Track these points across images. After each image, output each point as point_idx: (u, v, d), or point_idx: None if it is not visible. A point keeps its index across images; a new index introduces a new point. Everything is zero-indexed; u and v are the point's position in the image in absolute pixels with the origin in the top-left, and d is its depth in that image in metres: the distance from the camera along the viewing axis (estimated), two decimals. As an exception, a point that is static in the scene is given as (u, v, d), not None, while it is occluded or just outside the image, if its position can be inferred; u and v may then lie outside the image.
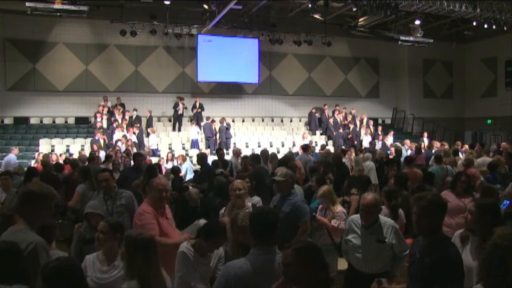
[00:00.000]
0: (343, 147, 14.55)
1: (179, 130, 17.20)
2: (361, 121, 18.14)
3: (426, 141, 16.57)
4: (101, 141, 13.86)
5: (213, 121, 16.19)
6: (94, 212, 4.19)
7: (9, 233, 2.67)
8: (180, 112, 17.01)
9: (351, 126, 17.63)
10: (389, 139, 16.80)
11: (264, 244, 2.65)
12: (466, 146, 14.04)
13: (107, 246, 3.26)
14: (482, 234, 2.96)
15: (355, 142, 16.46)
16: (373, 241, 3.71)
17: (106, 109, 16.00)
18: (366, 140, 16.83)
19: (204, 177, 7.86)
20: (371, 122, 18.38)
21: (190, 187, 6.37)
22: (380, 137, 17.21)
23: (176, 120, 17.16)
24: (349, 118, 18.42)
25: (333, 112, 18.65)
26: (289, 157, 9.02)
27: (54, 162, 10.46)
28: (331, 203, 4.99)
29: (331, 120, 18.20)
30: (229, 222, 3.67)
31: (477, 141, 18.74)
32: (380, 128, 18.45)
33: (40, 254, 2.52)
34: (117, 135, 14.43)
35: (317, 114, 18.57)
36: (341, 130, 17.62)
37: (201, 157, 8.73)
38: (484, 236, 2.79)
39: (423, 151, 12.76)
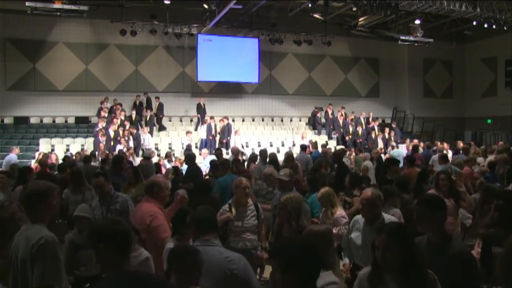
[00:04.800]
0: (343, 146, 14.52)
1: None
2: (377, 127, 17.87)
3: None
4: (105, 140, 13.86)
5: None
6: (81, 215, 4.12)
7: (23, 230, 2.72)
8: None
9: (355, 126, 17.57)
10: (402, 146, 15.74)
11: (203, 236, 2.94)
12: (461, 144, 14.00)
13: None
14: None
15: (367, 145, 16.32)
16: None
17: (107, 110, 15.91)
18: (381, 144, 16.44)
19: (190, 177, 7.71)
20: (390, 131, 17.76)
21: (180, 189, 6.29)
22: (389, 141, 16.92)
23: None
24: (350, 117, 18.36)
25: (336, 112, 18.55)
26: (291, 157, 9.08)
27: (53, 162, 10.46)
28: (331, 206, 4.82)
29: (340, 119, 18.05)
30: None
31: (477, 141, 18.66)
32: (391, 132, 17.90)
33: (50, 249, 2.57)
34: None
35: (318, 114, 18.54)
36: (360, 130, 17.47)
37: (189, 157, 8.61)
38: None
39: (423, 150, 12.77)
